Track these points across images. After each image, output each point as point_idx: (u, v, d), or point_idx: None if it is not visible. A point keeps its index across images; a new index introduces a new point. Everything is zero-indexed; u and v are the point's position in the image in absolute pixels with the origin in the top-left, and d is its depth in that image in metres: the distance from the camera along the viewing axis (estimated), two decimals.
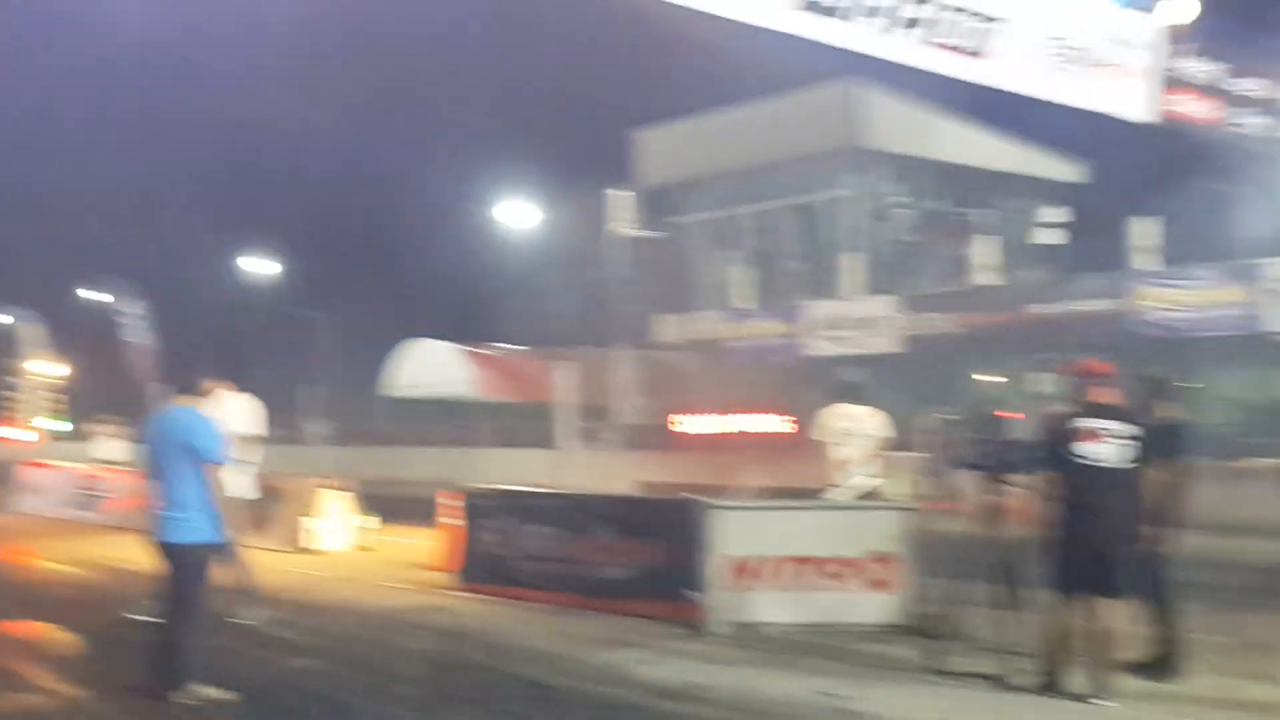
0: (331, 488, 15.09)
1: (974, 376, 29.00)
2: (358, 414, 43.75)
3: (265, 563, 13.14)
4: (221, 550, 7.11)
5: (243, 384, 10.04)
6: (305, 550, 14.27)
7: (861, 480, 11.95)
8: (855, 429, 12.22)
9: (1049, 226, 25.39)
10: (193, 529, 6.87)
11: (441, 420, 40.55)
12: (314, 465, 26.63)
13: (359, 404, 44.74)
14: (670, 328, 31.31)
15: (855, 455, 11.93)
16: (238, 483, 8.39)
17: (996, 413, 8.18)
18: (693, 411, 28.16)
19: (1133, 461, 6.98)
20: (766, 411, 26.66)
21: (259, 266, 49.23)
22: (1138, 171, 25.75)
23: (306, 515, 14.50)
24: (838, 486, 11.57)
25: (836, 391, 13.40)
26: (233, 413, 8.86)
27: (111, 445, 23.34)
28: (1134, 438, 7.00)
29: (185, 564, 6.90)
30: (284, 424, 43.60)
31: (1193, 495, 7.83)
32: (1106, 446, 6.97)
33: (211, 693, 6.94)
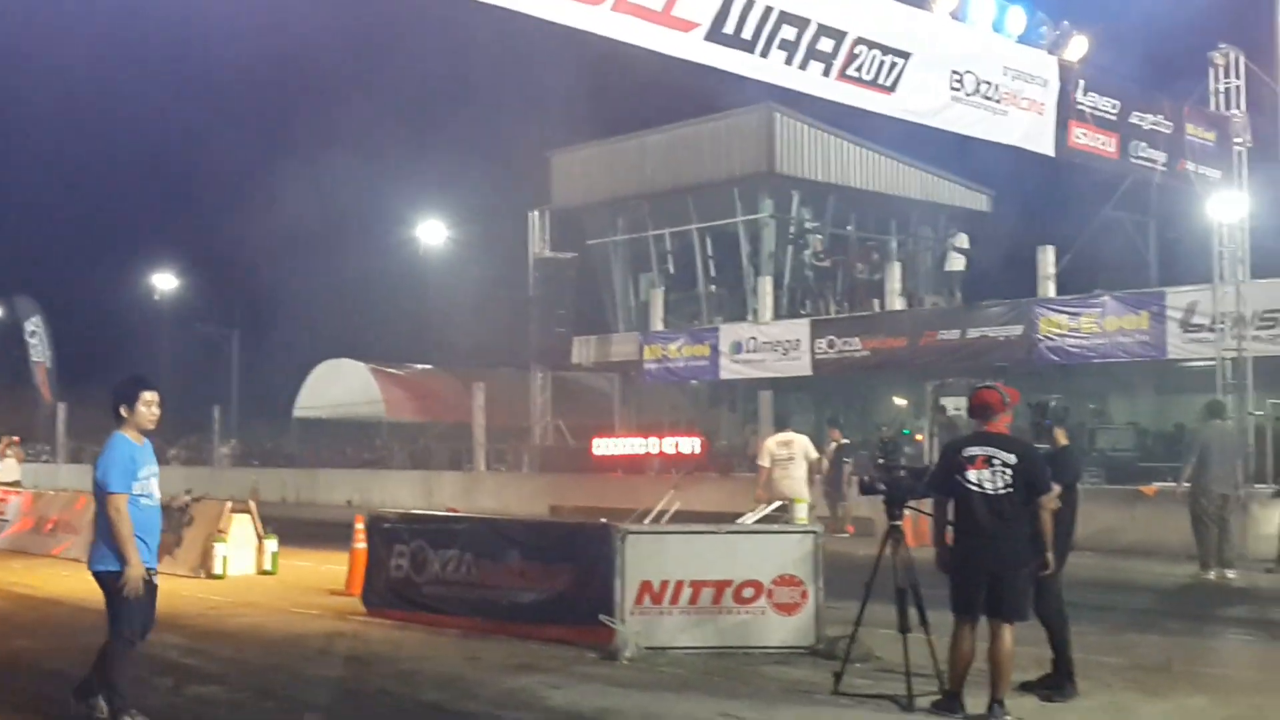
0: (241, 511, 14.89)
1: (883, 400, 29.49)
2: (268, 435, 43.17)
3: (170, 588, 12.99)
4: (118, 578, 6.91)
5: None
6: (212, 575, 14.06)
7: (792, 502, 12.74)
8: (794, 453, 14.01)
9: (957, 253, 25.90)
10: (102, 556, 6.82)
11: (353, 441, 40.20)
12: (222, 487, 26.25)
13: (269, 425, 44.15)
14: (587, 349, 31.35)
15: (794, 477, 13.79)
16: None
17: (893, 437, 8.37)
18: (608, 433, 28.23)
19: (1022, 488, 7.19)
20: (682, 434, 26.81)
21: (168, 284, 48.43)
22: (1043, 201, 26.51)
23: (217, 539, 14.29)
24: (771, 506, 12.16)
25: (774, 420, 15.23)
26: None
27: (7, 466, 22.50)
28: (1023, 465, 7.21)
29: (104, 591, 6.86)
30: (193, 445, 43.00)
31: (1080, 519, 8.11)
32: (996, 474, 7.17)
33: None
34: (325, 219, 47.64)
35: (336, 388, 39.86)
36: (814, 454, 14.17)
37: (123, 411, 6.86)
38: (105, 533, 6.78)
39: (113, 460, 6.76)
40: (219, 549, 14.23)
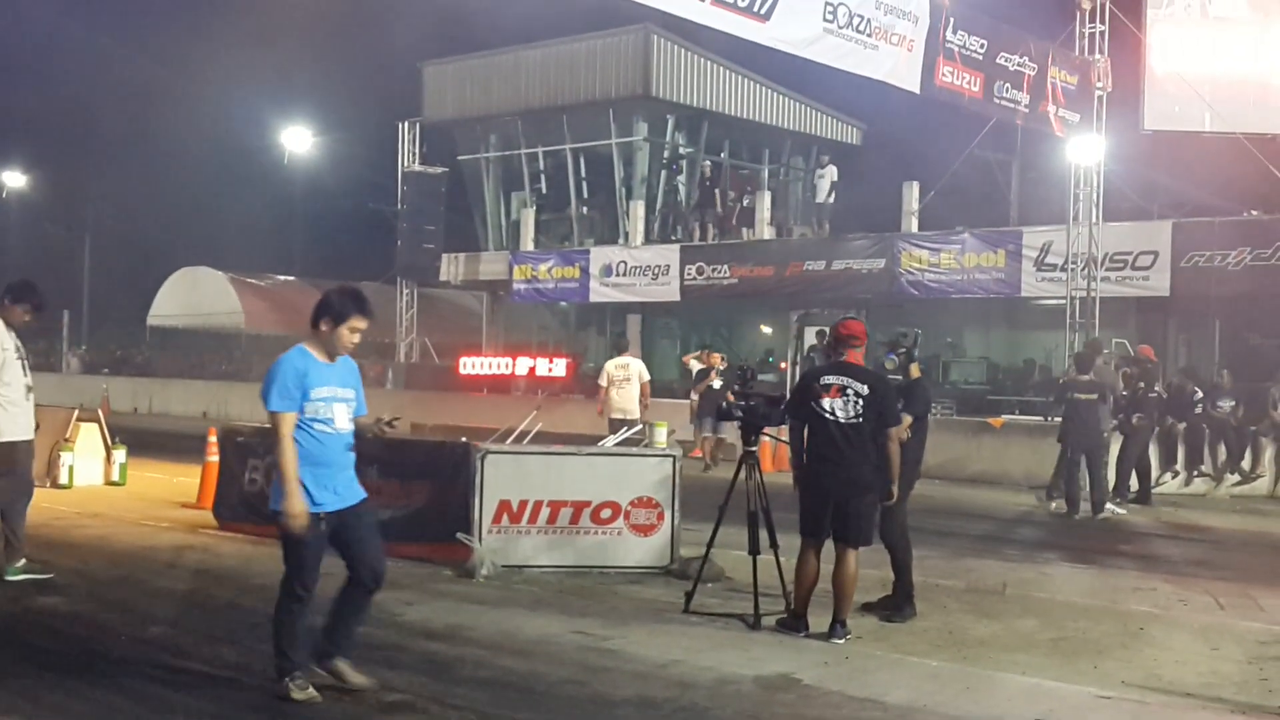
0: (88, 420, 14.45)
1: (749, 328, 29.88)
2: (119, 343, 41.81)
3: None
4: None
5: None
6: (57, 485, 13.65)
7: (636, 422, 13.29)
8: (630, 375, 15.59)
9: (825, 185, 26.23)
10: (273, 492, 6.04)
11: (210, 352, 39.20)
12: (70, 396, 25.41)
13: (121, 333, 42.74)
14: (455, 267, 31.01)
15: (629, 396, 15.39)
16: None
17: (750, 366, 8.54)
18: (475, 352, 28.09)
19: (873, 418, 7.40)
20: (548, 355, 26.82)
21: (15, 181, 46.16)
22: (912, 137, 26.91)
23: (63, 449, 13.85)
24: (633, 430, 12.52)
25: (616, 343, 16.80)
26: None
27: None
28: (874, 396, 7.41)
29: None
30: (40, 351, 41.43)
31: (929, 449, 8.39)
32: (849, 403, 7.37)
33: None
34: (185, 121, 45.92)
35: (193, 296, 38.71)
36: (646, 377, 15.84)
37: (323, 325, 5.93)
38: (276, 463, 5.91)
39: (274, 374, 5.85)
40: (65, 458, 13.81)
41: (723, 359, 19.75)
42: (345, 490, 5.96)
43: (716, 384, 18.85)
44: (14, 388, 8.37)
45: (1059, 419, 14.56)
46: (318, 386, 5.86)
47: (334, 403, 5.92)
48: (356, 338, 6.01)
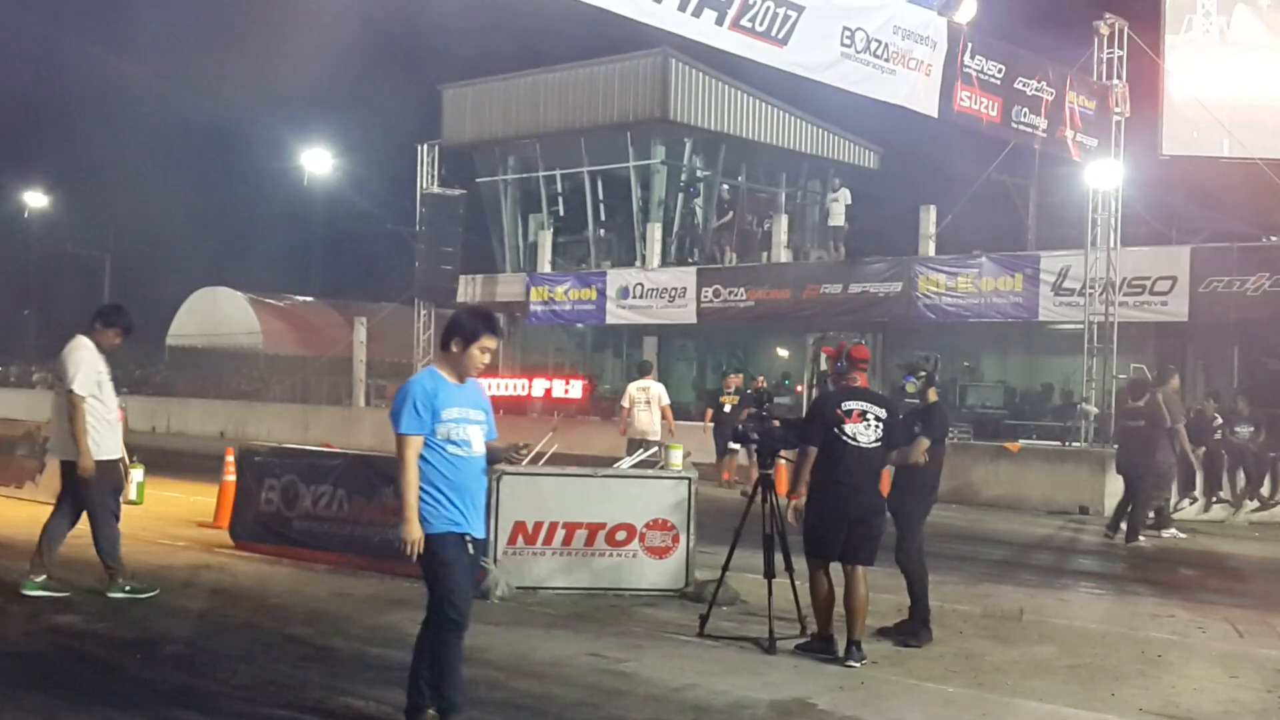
0: None
1: (765, 350, 29.84)
2: (139, 362, 42.01)
3: (31, 515, 12.62)
4: None
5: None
6: None
7: (655, 444, 13.56)
8: (650, 398, 16.18)
9: (840, 209, 26.25)
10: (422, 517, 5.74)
11: (229, 372, 39.37)
12: None
13: (140, 352, 42.93)
14: (473, 288, 31.09)
15: (651, 417, 16.03)
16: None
17: (767, 388, 8.55)
18: (491, 374, 28.14)
19: (888, 441, 7.41)
20: (564, 377, 26.85)
21: (38, 202, 46.55)
22: (929, 160, 26.92)
23: None
24: (648, 451, 12.56)
25: (640, 366, 17.32)
26: None
27: None
28: (890, 420, 7.43)
29: None
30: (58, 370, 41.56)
31: (946, 473, 8.37)
32: (870, 427, 7.37)
33: None
34: (206, 142, 46.29)
35: (213, 316, 38.95)
36: (665, 400, 16.39)
37: (454, 346, 5.76)
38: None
39: (405, 395, 5.67)
40: None
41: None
42: (476, 521, 5.78)
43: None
44: (109, 408, 8.67)
45: (1075, 443, 14.53)
46: (448, 408, 5.70)
47: (466, 424, 5.75)
48: (487, 357, 5.89)
